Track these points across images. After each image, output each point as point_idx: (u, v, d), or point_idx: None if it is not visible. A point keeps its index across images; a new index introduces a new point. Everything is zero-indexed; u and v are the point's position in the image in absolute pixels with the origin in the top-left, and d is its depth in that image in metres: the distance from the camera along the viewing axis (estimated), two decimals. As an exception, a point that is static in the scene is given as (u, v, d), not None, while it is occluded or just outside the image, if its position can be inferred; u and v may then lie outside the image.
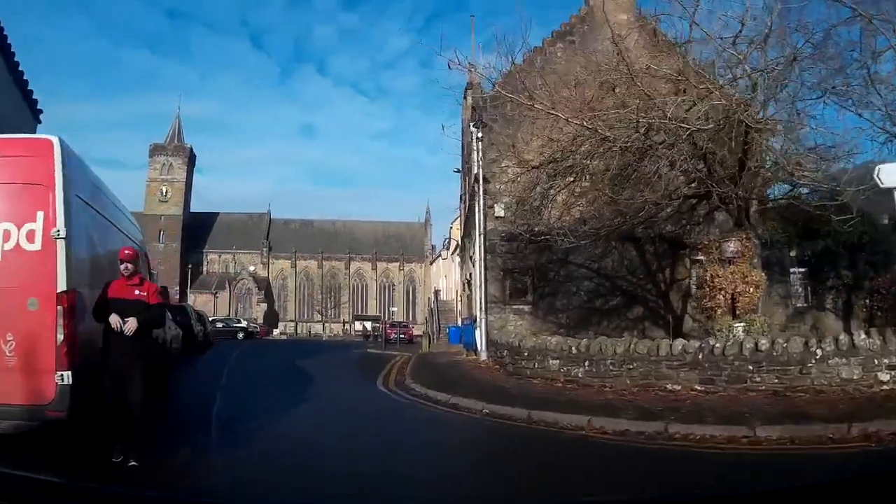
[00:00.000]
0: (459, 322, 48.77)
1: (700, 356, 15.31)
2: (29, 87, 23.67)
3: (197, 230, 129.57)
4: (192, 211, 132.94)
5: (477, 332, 28.76)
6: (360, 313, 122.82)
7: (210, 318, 62.66)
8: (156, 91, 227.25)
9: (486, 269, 29.77)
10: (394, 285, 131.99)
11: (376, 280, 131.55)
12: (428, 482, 8.26)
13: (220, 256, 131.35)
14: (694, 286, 30.94)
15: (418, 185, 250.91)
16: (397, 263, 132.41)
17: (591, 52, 24.53)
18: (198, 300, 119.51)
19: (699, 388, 15.08)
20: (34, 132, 21.24)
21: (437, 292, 61.99)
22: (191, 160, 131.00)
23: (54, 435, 8.26)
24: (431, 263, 79.10)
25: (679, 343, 16.09)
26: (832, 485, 3.21)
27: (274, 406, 14.37)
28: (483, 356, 26.01)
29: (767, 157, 21.15)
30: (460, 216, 51.68)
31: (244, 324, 61.97)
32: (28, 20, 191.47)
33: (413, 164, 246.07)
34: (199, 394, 16.87)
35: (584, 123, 20.41)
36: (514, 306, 32.04)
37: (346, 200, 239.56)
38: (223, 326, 58.89)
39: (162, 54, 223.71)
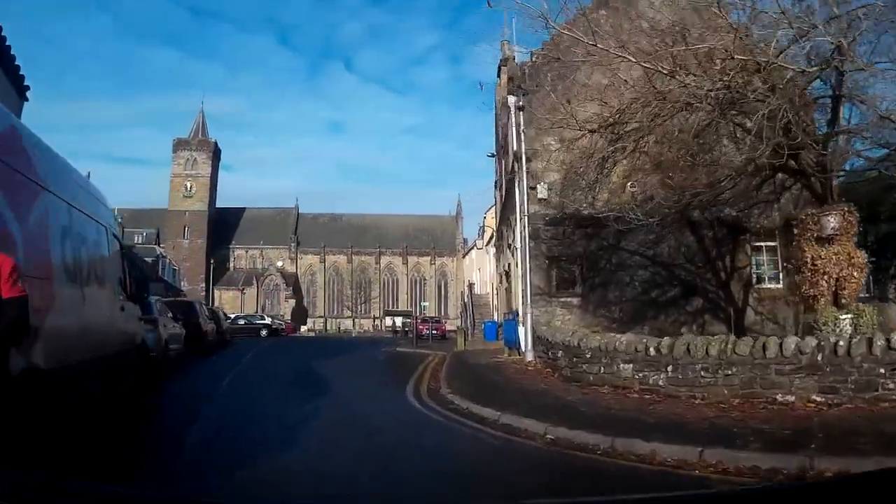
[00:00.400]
0: (496, 317, 45.46)
1: (819, 357, 11.77)
2: (16, 63, 20.22)
3: (223, 226, 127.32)
4: (217, 207, 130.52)
5: (520, 329, 25.21)
6: (390, 308, 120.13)
7: (233, 316, 59.58)
8: (181, 89, 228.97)
9: (529, 256, 26.10)
10: (425, 280, 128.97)
11: (407, 275, 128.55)
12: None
13: (247, 252, 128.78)
14: (754, 275, 29.17)
15: (448, 181, 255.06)
16: (428, 257, 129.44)
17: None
18: (224, 297, 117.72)
19: (818, 398, 11.62)
20: (19, 113, 18.89)
21: (471, 286, 58.51)
22: (215, 155, 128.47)
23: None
24: (464, 256, 75.58)
25: (792, 341, 12.31)
26: (836, 483, 3.27)
27: (267, 432, 10.71)
28: (529, 356, 22.42)
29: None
30: (495, 204, 48.25)
31: (268, 321, 58.50)
32: (48, 19, 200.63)
33: (443, 159, 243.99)
34: (180, 410, 13.42)
35: (661, 68, 16.64)
36: (562, 299, 28.57)
37: (375, 196, 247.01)
38: (245, 324, 55.68)
39: (187, 53, 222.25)
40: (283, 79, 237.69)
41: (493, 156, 46.12)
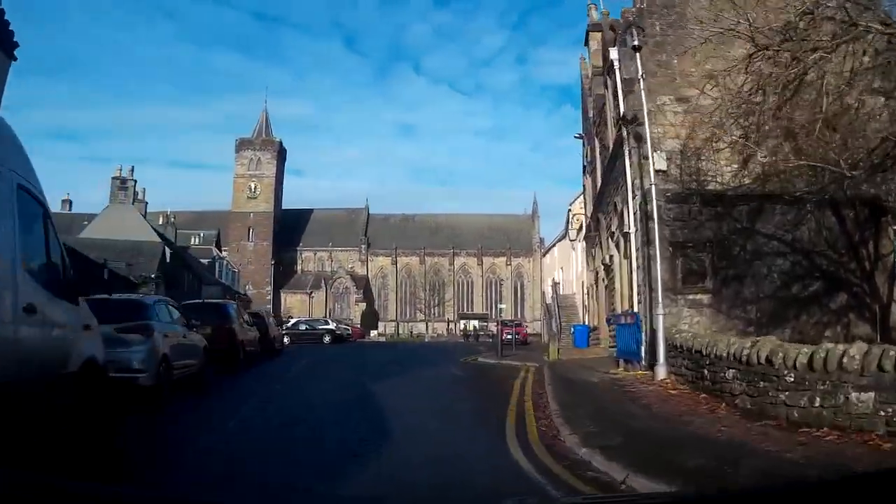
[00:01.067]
0: (586, 320, 39.52)
1: None
2: (5, 18, 14.95)
3: (290, 227, 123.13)
4: (284, 208, 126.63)
5: (642, 335, 19.13)
6: (465, 311, 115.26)
7: (292, 320, 54.25)
8: (248, 94, 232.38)
9: (646, 242, 20.06)
10: (501, 281, 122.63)
11: (482, 276, 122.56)
12: None
13: (315, 254, 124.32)
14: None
15: (521, 182, 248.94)
16: (504, 258, 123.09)
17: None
18: (291, 301, 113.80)
19: None
20: (6, 72, 14.84)
21: (555, 285, 52.32)
22: (280, 155, 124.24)
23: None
24: (544, 255, 69.63)
25: None
26: (836, 483, 3.09)
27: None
28: (661, 373, 16.47)
29: None
30: (584, 192, 42.00)
31: (332, 325, 52.44)
32: (109, 26, 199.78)
33: (515, 160, 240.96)
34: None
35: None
36: (689, 296, 22.10)
37: (447, 198, 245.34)
38: (306, 329, 50.03)
39: (253, 58, 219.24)
40: (351, 82, 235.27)
41: (580, 137, 40.07)
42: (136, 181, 52.56)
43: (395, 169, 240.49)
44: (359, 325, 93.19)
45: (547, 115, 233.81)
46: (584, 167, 39.76)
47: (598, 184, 32.03)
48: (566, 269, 56.86)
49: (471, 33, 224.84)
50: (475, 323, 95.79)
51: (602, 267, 31.50)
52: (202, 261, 68.58)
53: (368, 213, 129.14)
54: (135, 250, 45.64)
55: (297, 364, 26.64)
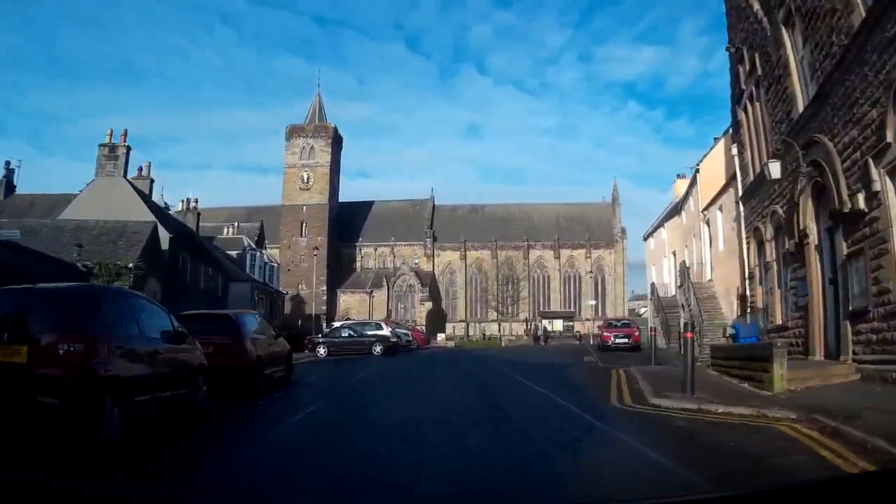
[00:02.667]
0: (735, 315, 29.10)
1: None
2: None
3: (348, 221, 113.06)
4: (341, 202, 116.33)
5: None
6: (543, 309, 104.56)
7: (336, 324, 43.17)
8: (310, 97, 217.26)
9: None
10: (579, 275, 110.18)
11: (559, 270, 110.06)
12: None
13: (375, 250, 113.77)
14: None
15: (588, 179, 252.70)
16: (583, 250, 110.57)
17: None
18: (350, 301, 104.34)
19: None
20: None
21: (685, 269, 40.39)
22: (335, 142, 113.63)
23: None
24: (647, 237, 57.34)
25: None
26: (833, 483, 3.23)
27: None
28: None
29: None
30: (742, 128, 29.50)
31: (385, 331, 39.80)
32: (169, 35, 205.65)
33: (582, 159, 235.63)
34: None
35: None
36: None
37: (515, 195, 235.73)
38: (350, 336, 38.46)
39: (315, 61, 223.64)
40: (415, 84, 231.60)
41: (733, 50, 27.86)
42: (129, 148, 40.45)
43: (462, 169, 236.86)
44: (422, 328, 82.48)
45: (611, 113, 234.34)
46: (740, 92, 27.35)
47: (800, 97, 19.75)
48: (689, 249, 45.34)
49: (533, 32, 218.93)
50: (560, 323, 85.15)
51: (832, 222, 19.17)
52: (231, 253, 57.06)
53: (434, 205, 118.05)
54: (116, 232, 34.65)
55: (309, 405, 14.86)
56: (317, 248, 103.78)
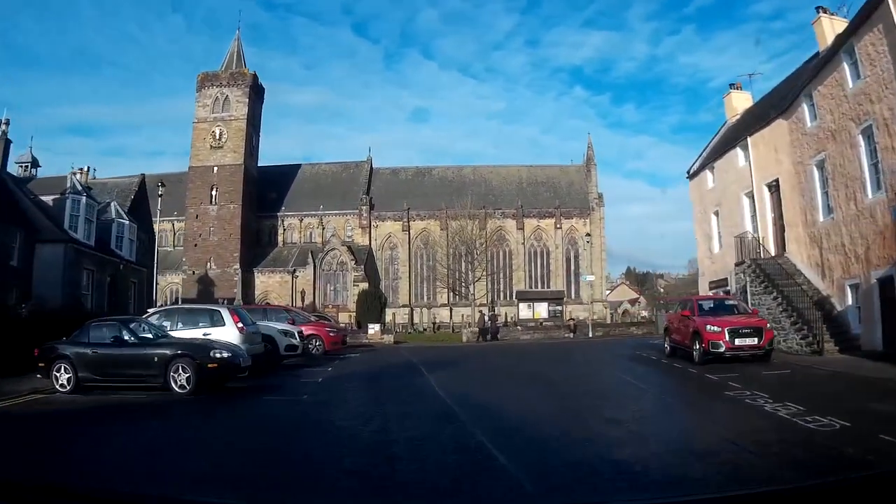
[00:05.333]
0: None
1: None
2: None
3: (270, 188, 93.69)
4: (264, 165, 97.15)
5: None
6: (524, 289, 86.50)
7: (154, 311, 23.81)
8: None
9: None
10: (547, 250, 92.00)
11: (524, 243, 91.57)
12: None
13: (301, 221, 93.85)
14: None
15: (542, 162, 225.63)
16: (551, 219, 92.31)
17: None
18: (269, 283, 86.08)
19: None
20: None
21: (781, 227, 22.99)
22: (255, 91, 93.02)
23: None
24: (692, 176, 40.36)
25: None
26: (835, 485, 3.02)
27: None
28: None
29: None
30: None
31: (223, 329, 20.19)
32: (117, 22, 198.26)
33: (531, 143, 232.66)
34: None
35: None
36: None
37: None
38: (124, 345, 17.21)
39: (266, 47, 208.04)
40: (363, 69, 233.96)
41: None
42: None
43: (411, 153, 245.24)
44: (350, 320, 66.40)
45: (558, 98, 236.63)
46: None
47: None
48: (733, 211, 33.48)
49: (481, 17, 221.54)
50: (545, 308, 66.96)
51: None
52: (46, 199, 36.64)
53: (372, 167, 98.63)
54: None
55: None
56: (230, 219, 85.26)
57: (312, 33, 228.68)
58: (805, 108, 27.72)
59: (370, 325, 53.81)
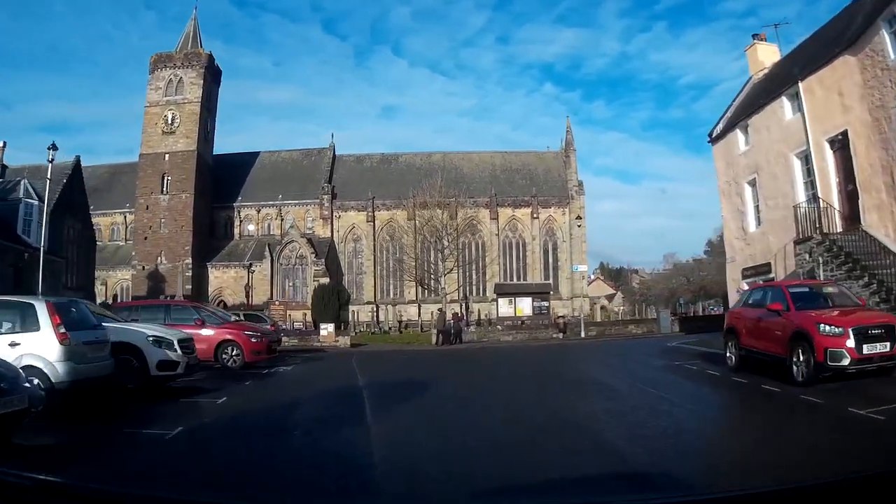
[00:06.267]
0: None
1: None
2: None
3: (226, 177, 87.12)
4: (220, 153, 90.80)
5: None
6: (502, 281, 79.25)
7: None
8: (230, 80, 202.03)
9: None
10: (523, 241, 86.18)
11: (498, 234, 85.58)
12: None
13: (258, 212, 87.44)
14: None
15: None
16: (528, 209, 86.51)
17: None
18: (224, 278, 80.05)
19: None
20: None
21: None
22: (210, 72, 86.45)
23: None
24: (715, 140, 34.56)
25: None
26: (835, 484, 2.94)
27: None
28: None
29: None
30: None
31: (47, 351, 13.25)
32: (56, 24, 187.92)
33: (501, 140, 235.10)
34: None
35: None
36: None
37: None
38: None
39: (235, 44, 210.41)
40: (333, 65, 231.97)
41: None
42: None
43: (379, 148, 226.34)
44: (303, 319, 60.03)
45: (528, 95, 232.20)
46: None
47: None
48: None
49: (452, 13, 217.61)
50: (527, 303, 60.18)
51: None
52: None
53: (334, 154, 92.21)
54: None
55: None
56: (182, 209, 79.40)
57: (282, 30, 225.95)
58: (886, 36, 21.65)
59: (322, 326, 47.44)
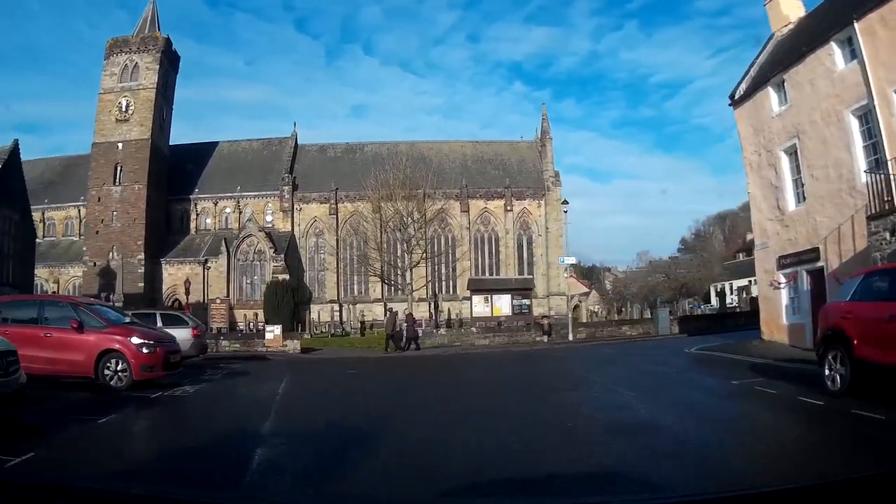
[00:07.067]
0: None
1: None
2: None
3: (183, 168, 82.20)
4: (178, 144, 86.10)
5: None
6: (476, 276, 75.99)
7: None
8: (202, 80, 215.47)
9: None
10: (496, 235, 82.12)
11: (469, 227, 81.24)
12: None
13: (216, 204, 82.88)
14: None
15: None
16: (500, 200, 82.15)
17: None
18: (178, 274, 75.07)
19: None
20: None
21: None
22: (167, 58, 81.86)
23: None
24: (737, 102, 30.04)
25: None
26: (835, 485, 2.96)
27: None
28: None
29: None
30: None
31: None
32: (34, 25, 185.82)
33: (471, 137, 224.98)
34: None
35: None
36: None
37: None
38: None
39: (208, 43, 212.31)
40: (304, 64, 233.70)
41: None
42: None
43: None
44: (255, 320, 54.51)
45: (497, 94, 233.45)
46: None
47: None
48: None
49: (423, 12, 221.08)
50: (507, 301, 55.12)
51: None
52: None
53: (297, 143, 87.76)
54: None
55: None
56: (134, 201, 75.06)
57: (254, 29, 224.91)
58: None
59: (268, 328, 42.86)
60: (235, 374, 25.64)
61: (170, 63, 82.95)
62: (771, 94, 28.15)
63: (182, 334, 26.39)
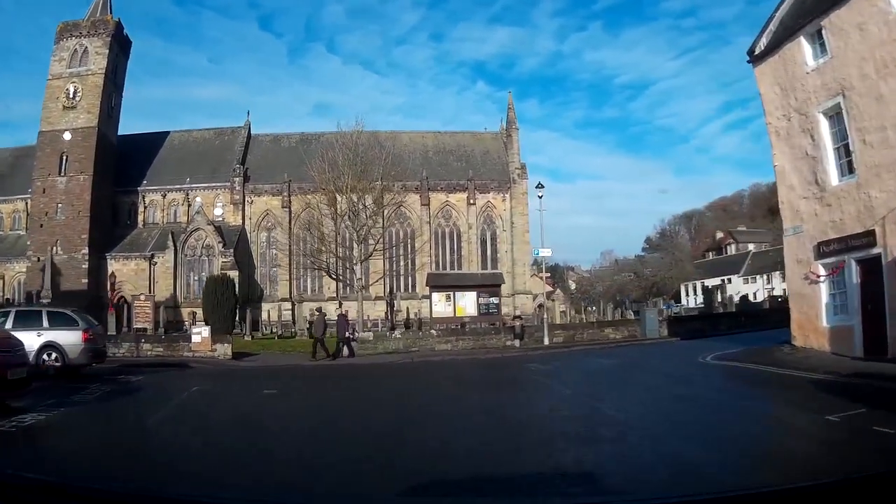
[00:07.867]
0: None
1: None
2: None
3: (131, 158, 78.28)
4: (127, 134, 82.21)
5: None
6: (436, 271, 73.44)
7: None
8: (166, 78, 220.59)
9: None
10: (458, 230, 79.13)
11: (430, 221, 78.13)
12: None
13: (164, 197, 79.25)
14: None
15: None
16: (463, 193, 79.19)
17: None
18: (125, 270, 71.95)
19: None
20: None
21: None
22: (119, 43, 78.20)
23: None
24: (758, 58, 27.33)
25: None
26: (835, 485, 2.99)
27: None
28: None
29: None
30: None
31: None
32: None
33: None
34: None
35: None
36: None
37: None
38: None
39: (174, 42, 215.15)
40: (268, 63, 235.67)
41: None
42: None
43: None
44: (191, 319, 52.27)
45: (459, 93, 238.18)
46: None
47: None
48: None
49: (387, 11, 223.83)
50: (477, 300, 51.60)
51: None
52: None
53: (250, 133, 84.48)
54: None
55: None
56: (80, 193, 71.59)
57: (219, 27, 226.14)
58: None
59: (195, 330, 38.53)
60: (123, 392, 20.78)
61: (121, 48, 79.15)
62: (804, 45, 24.09)
63: (70, 337, 23.94)
